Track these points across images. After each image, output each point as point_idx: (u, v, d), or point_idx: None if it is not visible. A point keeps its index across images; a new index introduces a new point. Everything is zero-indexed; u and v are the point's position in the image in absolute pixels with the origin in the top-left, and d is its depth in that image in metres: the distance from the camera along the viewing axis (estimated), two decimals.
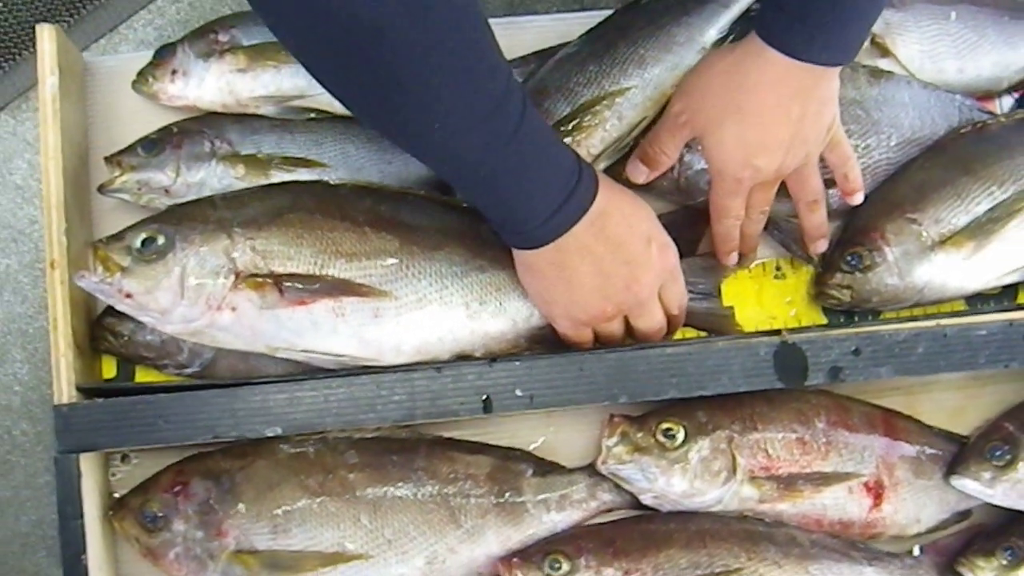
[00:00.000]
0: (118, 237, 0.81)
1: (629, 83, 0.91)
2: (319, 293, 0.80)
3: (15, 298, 0.97)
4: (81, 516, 0.83)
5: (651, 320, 0.85)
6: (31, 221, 0.99)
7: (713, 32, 0.93)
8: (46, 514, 0.97)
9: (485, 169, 0.71)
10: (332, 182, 0.88)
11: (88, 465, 0.84)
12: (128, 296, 0.80)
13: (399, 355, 0.84)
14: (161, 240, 0.80)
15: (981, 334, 0.88)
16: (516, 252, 0.82)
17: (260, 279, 0.80)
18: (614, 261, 0.80)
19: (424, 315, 0.84)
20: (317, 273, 0.81)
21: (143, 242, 0.80)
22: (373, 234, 0.83)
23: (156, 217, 0.83)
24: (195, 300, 0.79)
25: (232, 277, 0.80)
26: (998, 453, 0.91)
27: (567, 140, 0.89)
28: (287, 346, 0.82)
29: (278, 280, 0.80)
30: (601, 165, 0.92)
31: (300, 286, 0.80)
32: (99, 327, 0.88)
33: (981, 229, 0.91)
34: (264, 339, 0.82)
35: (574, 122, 0.91)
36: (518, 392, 0.84)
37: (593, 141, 0.92)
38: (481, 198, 0.76)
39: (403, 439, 0.88)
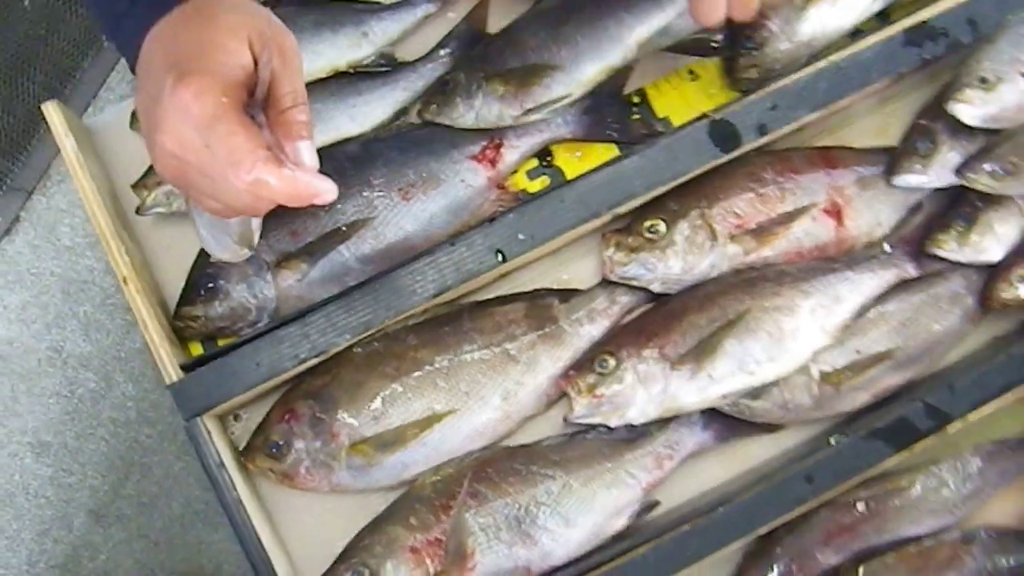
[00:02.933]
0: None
1: (562, 63, 1.07)
2: None
3: (101, 334, 1.15)
4: (222, 463, 1.00)
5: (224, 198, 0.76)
6: (89, 270, 1.17)
7: (644, 31, 1.08)
8: (191, 493, 1.15)
9: None
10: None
11: (211, 425, 1.02)
12: None
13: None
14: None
15: (868, 56, 1.05)
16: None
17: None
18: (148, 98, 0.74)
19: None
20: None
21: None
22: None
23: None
24: None
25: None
26: (921, 144, 1.08)
27: (505, 90, 1.06)
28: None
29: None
30: (533, 116, 1.08)
31: None
32: (178, 319, 1.05)
33: None
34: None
35: (517, 77, 1.07)
36: (520, 236, 1.01)
37: (527, 100, 1.08)
38: None
39: (447, 312, 1.06)
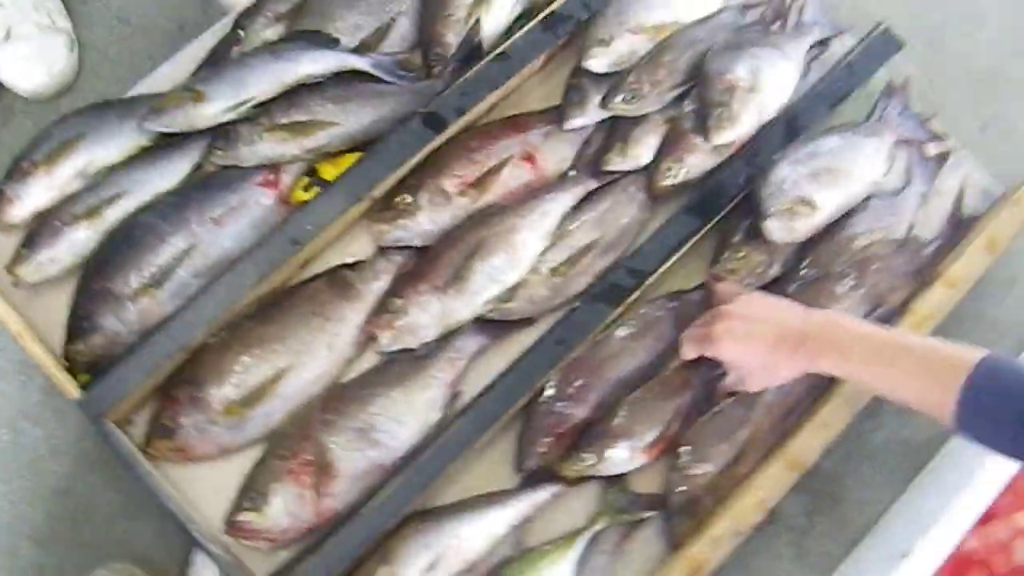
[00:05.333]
0: None
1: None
2: None
3: (2, 399, 1.45)
4: (131, 449, 1.31)
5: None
6: None
7: None
8: (110, 496, 1.42)
9: None
10: None
11: (114, 426, 1.32)
12: None
13: None
14: None
15: (520, 43, 1.48)
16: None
17: None
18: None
19: None
20: None
21: None
22: None
23: None
24: None
25: None
26: (574, 95, 1.50)
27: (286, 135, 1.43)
28: None
29: None
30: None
31: None
32: (66, 357, 1.34)
33: None
34: None
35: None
36: (308, 227, 1.38)
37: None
38: None
39: (271, 299, 1.40)
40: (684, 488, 1.38)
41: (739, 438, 1.39)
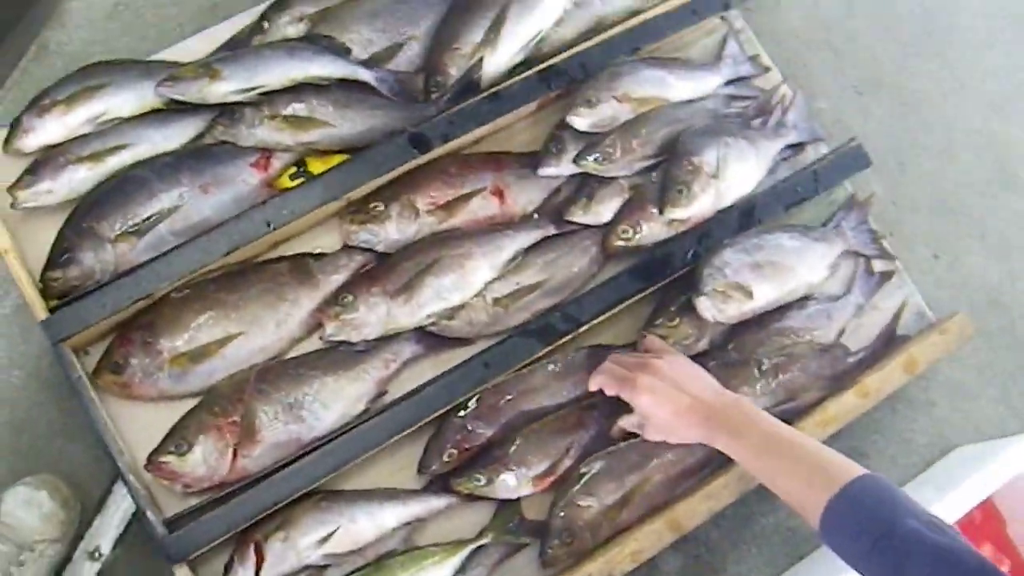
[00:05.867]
0: None
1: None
2: None
3: None
4: (80, 376, 1.43)
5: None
6: None
7: None
8: (52, 416, 1.52)
9: None
10: None
11: (70, 352, 1.46)
12: None
13: None
14: None
15: (514, 89, 1.59)
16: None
17: None
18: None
19: None
20: None
21: None
22: None
23: None
24: None
25: None
26: (554, 146, 1.61)
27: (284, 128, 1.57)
28: None
29: None
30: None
31: None
32: (43, 281, 1.46)
33: None
34: None
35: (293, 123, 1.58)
36: (284, 212, 1.51)
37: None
38: None
39: (238, 269, 1.53)
40: (564, 515, 1.47)
41: (628, 482, 1.48)
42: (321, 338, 1.53)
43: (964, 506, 1.47)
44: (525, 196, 1.62)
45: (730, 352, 1.57)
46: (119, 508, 1.50)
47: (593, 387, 1.48)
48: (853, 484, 1.22)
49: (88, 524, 1.50)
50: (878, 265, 1.71)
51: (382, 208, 1.55)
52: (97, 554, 1.48)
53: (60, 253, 1.47)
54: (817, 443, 1.33)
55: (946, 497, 1.48)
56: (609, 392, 1.46)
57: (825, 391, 1.59)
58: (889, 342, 1.67)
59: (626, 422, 1.47)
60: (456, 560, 1.46)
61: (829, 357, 1.61)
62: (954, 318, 1.64)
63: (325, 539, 1.41)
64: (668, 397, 1.40)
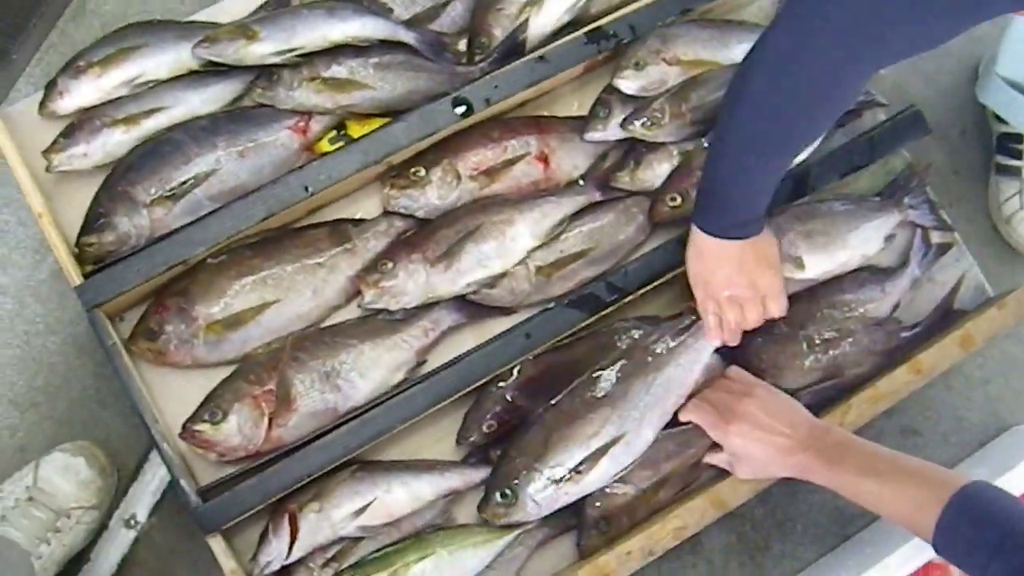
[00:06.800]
0: None
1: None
2: None
3: (14, 269, 1.55)
4: (115, 343, 1.41)
5: (751, 315, 1.38)
6: (4, 222, 1.59)
7: None
8: (86, 382, 1.52)
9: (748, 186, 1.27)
10: None
11: (105, 319, 1.43)
12: None
13: None
14: None
15: (561, 51, 1.54)
16: (699, 237, 1.34)
17: None
18: (755, 268, 1.34)
19: None
20: None
21: None
22: None
23: None
24: None
25: None
26: (601, 110, 1.57)
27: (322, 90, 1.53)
28: None
29: None
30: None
31: None
32: (78, 246, 1.44)
33: None
34: None
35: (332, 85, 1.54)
36: (322, 176, 1.47)
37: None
38: (731, 192, 1.29)
39: (274, 234, 1.50)
40: (600, 504, 1.44)
41: (663, 469, 1.45)
42: (359, 306, 1.50)
43: (1019, 487, 1.42)
44: (570, 161, 1.57)
45: (779, 325, 1.50)
46: (155, 476, 1.49)
47: (683, 419, 1.44)
48: (960, 494, 1.17)
49: (124, 492, 1.48)
50: (936, 237, 1.63)
51: (423, 173, 1.50)
52: (133, 522, 1.47)
53: (95, 218, 1.45)
54: (914, 459, 1.29)
55: (1000, 478, 1.44)
56: (694, 423, 1.43)
57: (874, 367, 1.54)
58: (945, 316, 1.61)
59: (715, 459, 1.44)
60: (501, 544, 1.43)
61: (882, 332, 1.56)
62: (1013, 293, 1.57)
63: (360, 511, 1.39)
64: (761, 441, 1.37)
